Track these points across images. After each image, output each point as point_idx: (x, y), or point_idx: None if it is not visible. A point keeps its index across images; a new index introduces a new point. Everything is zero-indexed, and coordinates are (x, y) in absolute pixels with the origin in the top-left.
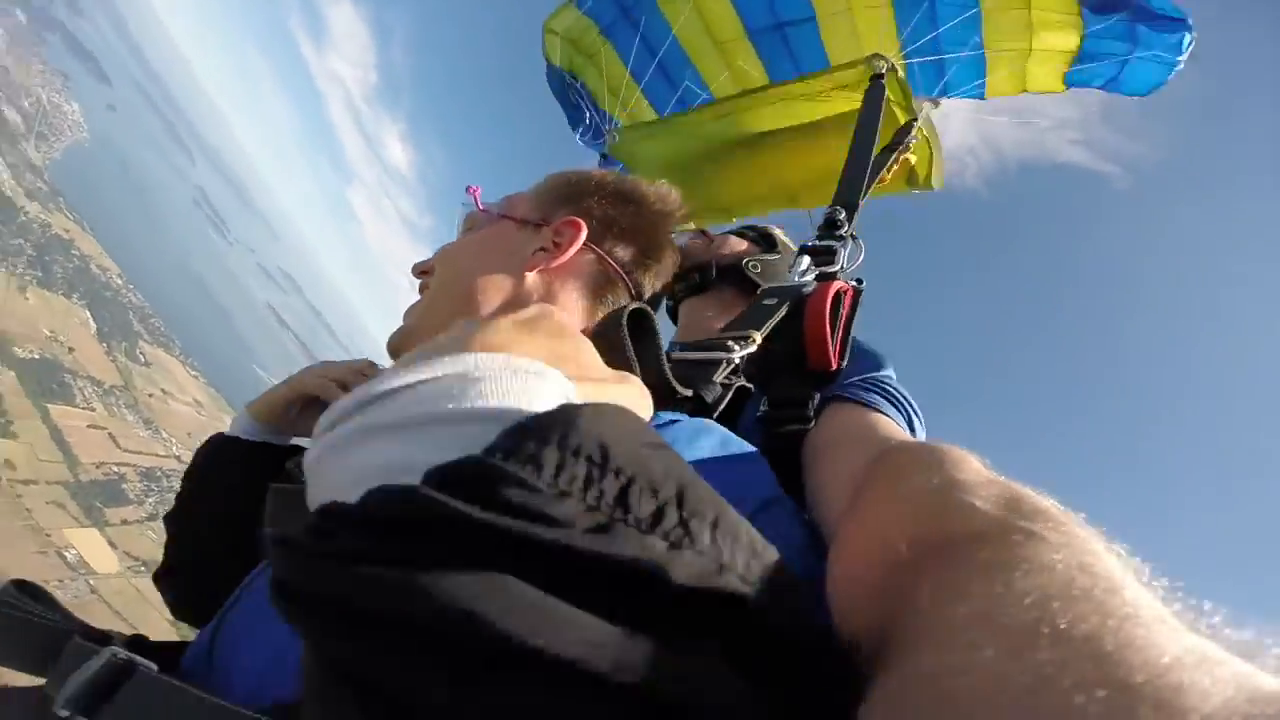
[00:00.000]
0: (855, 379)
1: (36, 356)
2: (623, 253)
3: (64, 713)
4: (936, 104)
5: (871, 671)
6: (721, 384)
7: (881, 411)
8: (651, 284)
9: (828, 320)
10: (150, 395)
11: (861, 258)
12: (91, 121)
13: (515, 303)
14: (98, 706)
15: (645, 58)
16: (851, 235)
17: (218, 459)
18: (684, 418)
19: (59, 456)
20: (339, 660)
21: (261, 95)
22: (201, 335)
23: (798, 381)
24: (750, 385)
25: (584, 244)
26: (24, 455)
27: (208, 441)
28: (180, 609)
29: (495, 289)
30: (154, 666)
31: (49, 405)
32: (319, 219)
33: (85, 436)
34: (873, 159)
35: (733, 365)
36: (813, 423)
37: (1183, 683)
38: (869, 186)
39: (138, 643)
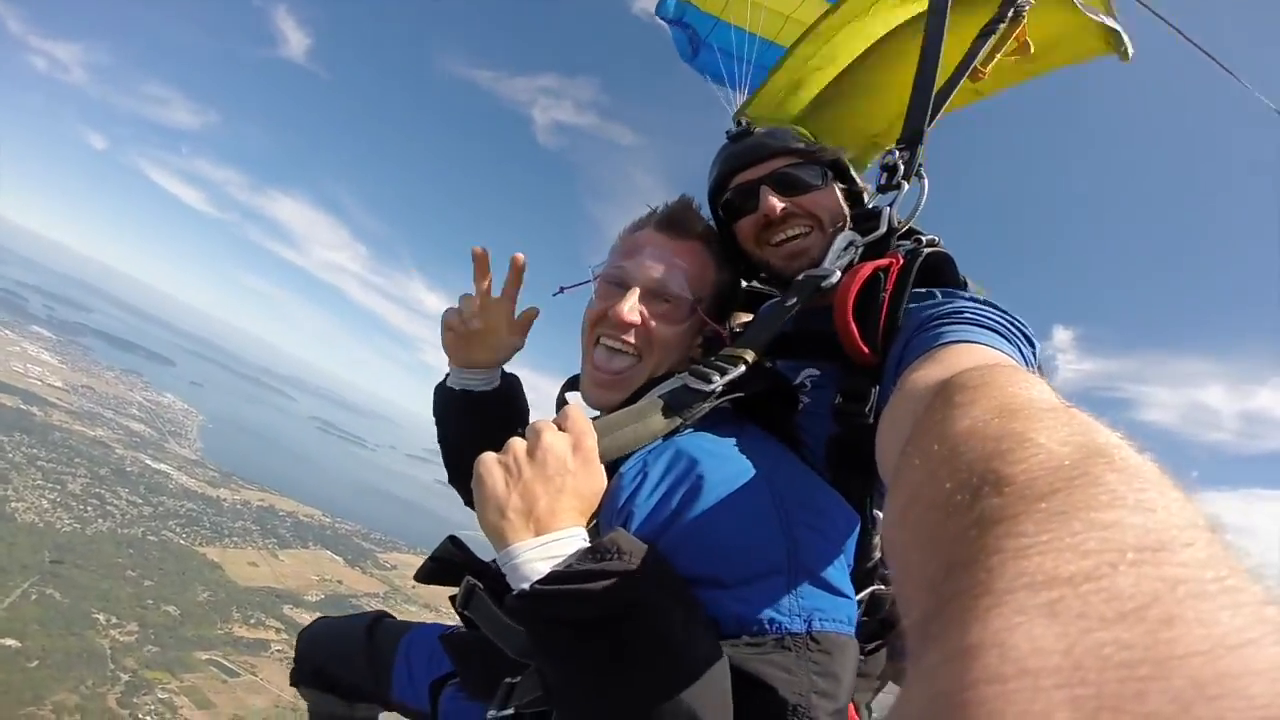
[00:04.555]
0: (927, 323)
1: (323, 597)
2: None
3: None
4: None
5: (916, 647)
6: (708, 406)
7: (971, 341)
8: None
9: (851, 319)
10: (414, 588)
11: (924, 198)
12: (193, 403)
13: None
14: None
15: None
16: (917, 174)
17: (444, 403)
18: (657, 444)
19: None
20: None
21: (288, 312)
22: (411, 531)
23: (857, 373)
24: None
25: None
26: None
27: (436, 389)
28: (456, 484)
29: None
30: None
31: None
32: (419, 391)
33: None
34: (943, 54)
35: (716, 392)
36: (870, 418)
37: (1232, 661)
38: (944, 97)
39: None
